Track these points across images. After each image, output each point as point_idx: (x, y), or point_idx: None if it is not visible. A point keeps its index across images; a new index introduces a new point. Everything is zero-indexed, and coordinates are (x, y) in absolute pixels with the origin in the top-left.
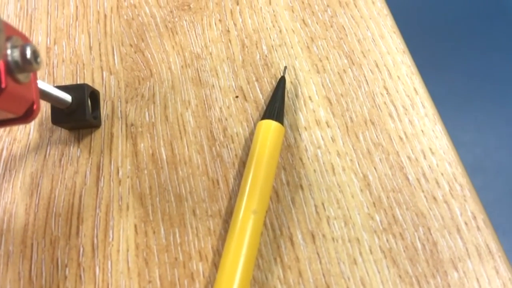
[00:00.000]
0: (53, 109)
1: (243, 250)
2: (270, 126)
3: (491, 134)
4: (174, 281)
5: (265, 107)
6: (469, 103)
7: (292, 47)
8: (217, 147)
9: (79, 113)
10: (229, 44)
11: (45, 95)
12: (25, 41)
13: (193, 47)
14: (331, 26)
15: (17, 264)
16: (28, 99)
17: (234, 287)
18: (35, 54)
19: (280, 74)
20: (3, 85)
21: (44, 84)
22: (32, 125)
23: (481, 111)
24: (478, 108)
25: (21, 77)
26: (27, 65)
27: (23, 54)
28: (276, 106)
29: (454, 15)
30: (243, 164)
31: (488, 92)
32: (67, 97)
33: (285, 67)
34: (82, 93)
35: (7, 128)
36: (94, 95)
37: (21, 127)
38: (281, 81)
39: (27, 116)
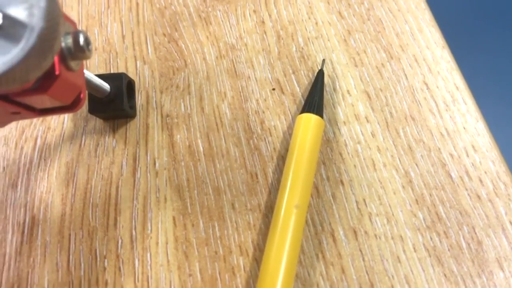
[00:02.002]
0: (90, 98)
1: (286, 245)
2: (310, 120)
3: None
4: (215, 275)
5: (303, 100)
6: (509, 99)
7: (328, 40)
8: (255, 140)
9: (116, 103)
10: (264, 35)
11: (87, 84)
12: (75, 28)
13: (227, 37)
14: (368, 19)
15: (54, 254)
16: (78, 87)
17: (278, 283)
18: (87, 41)
19: (317, 66)
20: (56, 72)
21: (86, 72)
22: (66, 114)
23: None
24: None
25: (73, 64)
26: (79, 52)
27: (76, 41)
28: (315, 100)
29: (492, 11)
30: (281, 158)
31: None
32: (106, 86)
33: (323, 60)
34: (120, 82)
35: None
36: (130, 84)
37: (55, 116)
38: (320, 74)
39: (74, 104)
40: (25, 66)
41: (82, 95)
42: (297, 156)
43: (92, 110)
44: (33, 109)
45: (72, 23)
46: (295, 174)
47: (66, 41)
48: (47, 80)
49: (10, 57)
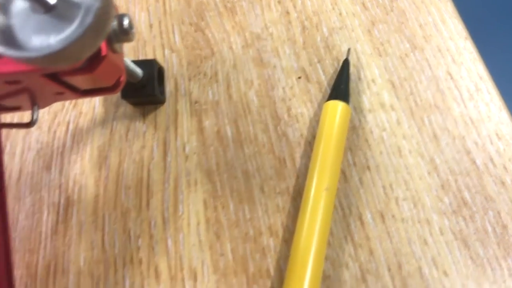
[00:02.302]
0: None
1: (317, 226)
2: (337, 106)
3: None
4: (246, 255)
5: (328, 89)
6: None
7: (353, 30)
8: (282, 126)
9: (148, 88)
10: (289, 25)
11: None
12: (117, 11)
13: (253, 27)
14: (392, 10)
15: (89, 233)
16: (120, 69)
17: (309, 263)
18: (131, 24)
19: (342, 56)
20: (103, 53)
21: None
22: (97, 100)
23: None
24: None
25: (116, 46)
26: (123, 34)
27: (120, 23)
28: (342, 88)
29: None
30: (308, 144)
31: None
32: (140, 71)
33: (349, 49)
34: (151, 68)
35: (73, 101)
36: (160, 71)
37: (86, 101)
38: (345, 63)
39: (114, 86)
40: (81, 44)
41: (122, 78)
42: (325, 141)
43: (124, 95)
44: (77, 89)
45: (115, 7)
46: (324, 158)
47: (112, 24)
48: (94, 61)
49: (67, 35)
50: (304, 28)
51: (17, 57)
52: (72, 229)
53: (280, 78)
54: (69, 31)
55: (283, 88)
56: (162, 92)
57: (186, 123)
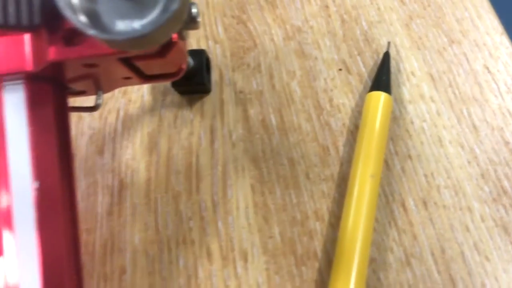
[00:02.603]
0: None
1: (363, 211)
2: (380, 97)
3: None
4: (294, 238)
5: (368, 81)
6: None
7: (391, 24)
8: (325, 116)
9: (197, 77)
10: (329, 19)
11: None
12: None
13: (293, 20)
14: (429, 6)
15: (143, 215)
16: (185, 55)
17: (357, 246)
18: (197, 12)
19: (381, 49)
20: (174, 39)
21: None
22: (145, 88)
23: None
24: None
25: (184, 34)
26: (191, 22)
27: (189, 11)
28: (384, 79)
29: None
30: (351, 133)
31: None
32: (191, 61)
33: (389, 42)
34: (200, 58)
35: (122, 89)
36: (207, 61)
37: (135, 89)
38: (386, 56)
39: (177, 72)
40: (165, 29)
41: (184, 65)
42: (369, 130)
43: (174, 83)
44: (143, 75)
45: None
46: (368, 146)
47: None
48: (165, 46)
49: (150, 20)
50: (343, 21)
51: (107, 39)
52: (126, 210)
53: (322, 70)
54: (152, 16)
55: (325, 79)
56: (209, 81)
57: (231, 111)
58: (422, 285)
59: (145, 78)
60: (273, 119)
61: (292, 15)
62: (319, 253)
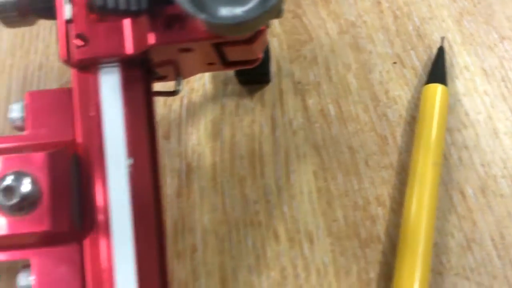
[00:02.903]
0: None
1: (426, 197)
2: (437, 89)
3: None
4: (357, 221)
5: (423, 74)
6: None
7: (443, 21)
8: (382, 107)
9: (261, 67)
10: (381, 14)
11: None
12: None
13: (347, 15)
14: (479, 3)
15: (210, 197)
16: (266, 43)
17: (422, 231)
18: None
19: (434, 44)
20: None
21: None
22: (207, 78)
23: None
24: None
25: (268, 22)
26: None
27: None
28: (439, 72)
29: None
30: (408, 124)
31: None
32: None
33: (443, 38)
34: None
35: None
36: (267, 53)
37: (197, 78)
38: (440, 50)
39: (255, 60)
40: (267, 15)
41: (262, 53)
42: (428, 120)
43: (238, 72)
44: (226, 61)
45: None
46: (428, 135)
47: None
48: (254, 33)
49: (252, 7)
50: (396, 17)
51: (215, 24)
52: (195, 193)
53: (377, 63)
54: (253, 3)
55: (380, 72)
56: (270, 72)
57: (291, 101)
58: (483, 269)
59: (227, 64)
60: (332, 109)
61: (345, 10)
62: (382, 237)
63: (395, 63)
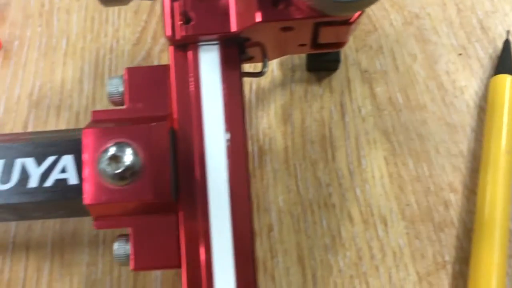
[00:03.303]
0: None
1: (501, 184)
2: (506, 79)
3: None
4: (430, 206)
5: (488, 67)
6: None
7: (506, 15)
8: (450, 97)
9: (334, 54)
10: (444, 7)
11: None
12: None
13: (410, 7)
14: None
15: (284, 179)
16: (357, 27)
17: (497, 217)
18: None
19: (498, 37)
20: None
21: None
22: (275, 65)
23: None
24: None
25: None
26: None
27: None
28: (507, 63)
29: None
30: (476, 114)
31: None
32: None
33: (508, 31)
34: None
35: (253, 64)
36: None
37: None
38: (507, 43)
39: (342, 43)
40: None
41: (348, 38)
42: (499, 109)
43: (310, 58)
44: (315, 42)
45: None
46: (500, 124)
47: None
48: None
49: None
50: (459, 10)
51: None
52: (268, 174)
53: (442, 54)
54: None
55: (446, 63)
56: (340, 59)
57: (358, 88)
58: None
59: (316, 46)
60: (400, 98)
61: (408, 2)
62: (456, 222)
63: (460, 54)
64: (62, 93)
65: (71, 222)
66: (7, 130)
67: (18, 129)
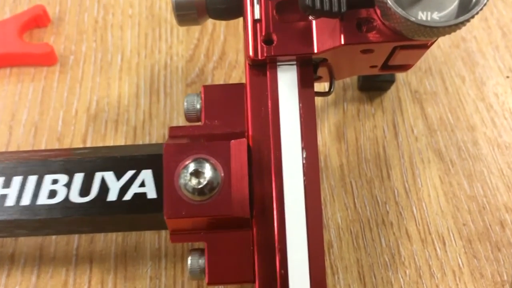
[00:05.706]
0: None
1: None
2: None
3: None
4: (486, 225)
5: None
6: None
7: None
8: (499, 118)
9: (390, 75)
10: (489, 30)
11: None
12: None
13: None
14: None
15: (341, 196)
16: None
17: None
18: None
19: None
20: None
21: None
22: (326, 83)
23: None
24: None
25: None
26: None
27: None
28: None
29: None
30: None
31: None
32: None
33: None
34: None
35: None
36: None
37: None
38: None
39: (408, 66)
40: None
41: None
42: None
43: (365, 77)
44: (385, 64)
45: None
46: None
47: None
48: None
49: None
50: (503, 34)
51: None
52: (325, 191)
53: (489, 76)
54: (451, 10)
55: (494, 85)
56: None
57: (410, 108)
58: None
59: (385, 67)
60: (450, 118)
61: None
62: None
63: (508, 77)
64: (119, 107)
65: (133, 235)
66: (66, 142)
67: (78, 142)
